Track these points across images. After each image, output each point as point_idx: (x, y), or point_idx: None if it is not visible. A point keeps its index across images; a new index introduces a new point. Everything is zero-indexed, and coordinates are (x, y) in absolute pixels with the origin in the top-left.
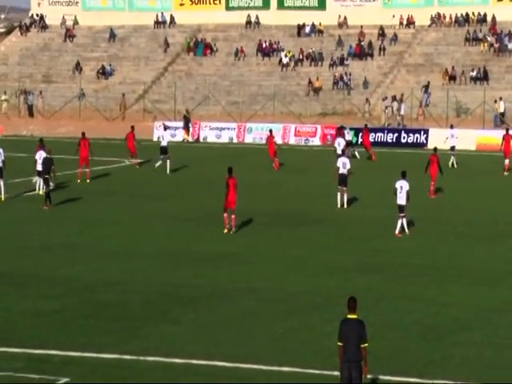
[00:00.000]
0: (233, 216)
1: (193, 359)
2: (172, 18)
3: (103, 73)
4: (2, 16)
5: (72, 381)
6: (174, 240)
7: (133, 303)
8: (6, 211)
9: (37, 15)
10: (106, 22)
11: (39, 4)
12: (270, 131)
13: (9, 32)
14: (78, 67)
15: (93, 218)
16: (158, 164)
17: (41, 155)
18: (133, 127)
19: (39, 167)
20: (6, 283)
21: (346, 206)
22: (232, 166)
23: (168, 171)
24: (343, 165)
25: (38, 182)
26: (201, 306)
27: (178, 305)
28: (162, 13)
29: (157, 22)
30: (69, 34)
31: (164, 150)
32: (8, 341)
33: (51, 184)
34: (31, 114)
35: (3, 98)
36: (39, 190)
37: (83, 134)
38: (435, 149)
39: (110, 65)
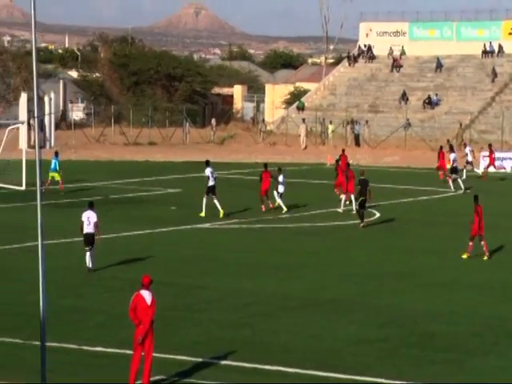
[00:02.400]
0: (482, 242)
1: None
2: (500, 47)
3: (429, 102)
4: (331, 47)
5: None
6: (501, 271)
7: (459, 335)
8: (335, 238)
9: (364, 46)
10: (433, 51)
11: (367, 35)
12: (343, 150)
13: (337, 62)
14: (404, 97)
15: (417, 248)
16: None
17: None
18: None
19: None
20: (332, 310)
21: None
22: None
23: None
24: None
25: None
26: None
27: (506, 338)
28: (490, 42)
29: (484, 52)
30: (396, 64)
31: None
32: (334, 367)
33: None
34: (358, 144)
35: (330, 128)
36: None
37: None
38: None
39: (437, 94)
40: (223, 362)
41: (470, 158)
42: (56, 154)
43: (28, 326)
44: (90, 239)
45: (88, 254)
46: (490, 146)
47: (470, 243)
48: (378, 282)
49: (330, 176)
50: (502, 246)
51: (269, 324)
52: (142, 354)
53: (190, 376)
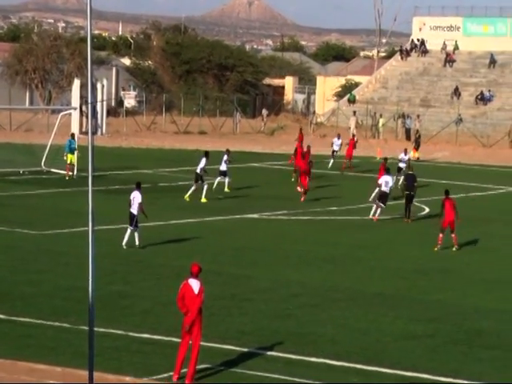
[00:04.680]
0: (453, 235)
1: None
2: None
3: (482, 98)
4: (384, 40)
5: None
6: None
7: (507, 333)
8: (385, 232)
9: (417, 40)
10: (486, 47)
11: (420, 29)
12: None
13: (389, 56)
14: (456, 92)
15: (467, 244)
16: None
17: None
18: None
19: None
20: (380, 304)
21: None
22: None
23: None
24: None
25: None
26: None
27: None
28: None
29: None
30: (449, 59)
31: None
32: (380, 361)
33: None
34: (408, 138)
35: (381, 122)
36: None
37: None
38: None
39: (489, 91)
40: (269, 353)
41: (335, 148)
42: (72, 136)
43: (76, 311)
44: (131, 219)
45: (129, 231)
46: (353, 135)
47: (440, 235)
48: (427, 278)
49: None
50: None
51: (315, 316)
52: (190, 342)
53: (235, 366)
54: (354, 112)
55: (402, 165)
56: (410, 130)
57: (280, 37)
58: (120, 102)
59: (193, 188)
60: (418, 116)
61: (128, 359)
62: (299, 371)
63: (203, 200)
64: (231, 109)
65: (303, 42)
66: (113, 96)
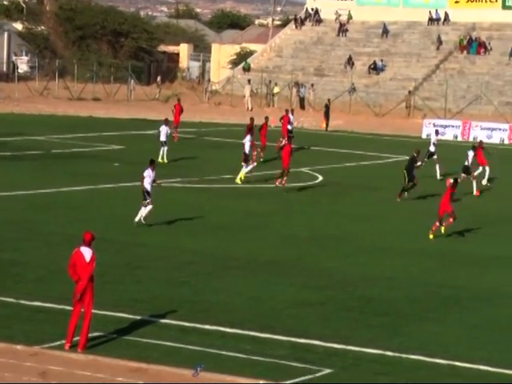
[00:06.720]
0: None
1: (456, 361)
2: (446, 15)
3: (374, 68)
4: (279, 9)
5: (335, 372)
6: (440, 239)
7: (396, 300)
8: (279, 200)
9: (312, 9)
10: (379, 17)
11: None
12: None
13: (284, 25)
14: (349, 62)
15: (359, 212)
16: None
17: None
18: (266, 118)
19: None
20: (272, 272)
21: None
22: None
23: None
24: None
25: None
26: (465, 307)
27: (442, 305)
28: (436, 10)
29: (430, 19)
30: (342, 29)
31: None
32: (273, 328)
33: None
34: (302, 107)
35: (275, 90)
36: None
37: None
38: None
39: (382, 60)
40: (162, 321)
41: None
42: None
43: None
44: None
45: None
46: (286, 110)
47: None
48: (319, 246)
49: (272, 138)
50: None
51: (209, 283)
52: (82, 310)
53: (128, 333)
54: (249, 80)
55: (432, 148)
56: (304, 98)
57: (175, 4)
58: (12, 67)
59: (246, 169)
60: (312, 85)
61: (19, 327)
62: (192, 339)
63: (238, 181)
64: (125, 75)
65: (198, 10)
66: (4, 61)
